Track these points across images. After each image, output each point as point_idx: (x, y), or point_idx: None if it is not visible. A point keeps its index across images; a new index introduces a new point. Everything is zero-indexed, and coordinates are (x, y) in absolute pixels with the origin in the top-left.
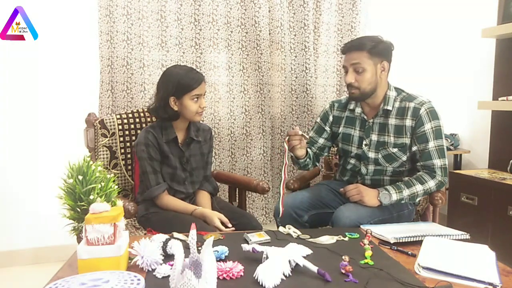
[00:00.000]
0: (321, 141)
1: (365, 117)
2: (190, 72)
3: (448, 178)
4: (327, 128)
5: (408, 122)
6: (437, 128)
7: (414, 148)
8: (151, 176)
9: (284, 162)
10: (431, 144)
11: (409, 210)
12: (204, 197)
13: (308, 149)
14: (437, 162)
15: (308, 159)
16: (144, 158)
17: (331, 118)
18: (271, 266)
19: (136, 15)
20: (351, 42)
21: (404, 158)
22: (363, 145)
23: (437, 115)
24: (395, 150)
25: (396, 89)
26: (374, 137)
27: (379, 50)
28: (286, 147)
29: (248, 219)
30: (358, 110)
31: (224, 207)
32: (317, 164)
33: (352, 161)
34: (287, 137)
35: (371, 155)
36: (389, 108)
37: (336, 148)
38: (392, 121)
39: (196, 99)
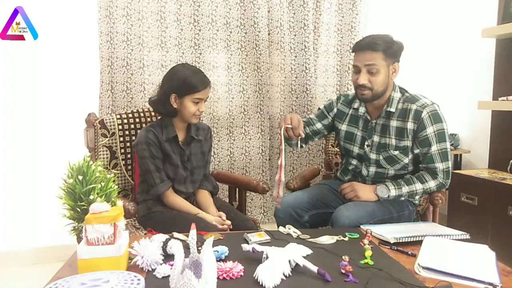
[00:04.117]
0: (318, 125)
1: (369, 117)
2: (197, 75)
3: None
4: (329, 117)
5: (410, 125)
6: (440, 131)
7: (416, 151)
8: (155, 174)
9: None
10: (434, 148)
11: (409, 211)
12: (205, 196)
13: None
14: (440, 165)
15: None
16: (146, 157)
17: (335, 110)
18: (271, 266)
19: (136, 16)
20: (365, 40)
21: (406, 160)
22: (365, 146)
23: (440, 118)
24: (396, 152)
25: (400, 89)
26: (376, 138)
27: (394, 51)
28: (282, 137)
29: (242, 221)
30: (362, 109)
31: (220, 207)
32: (304, 146)
33: (354, 161)
34: (288, 126)
35: (373, 156)
36: (392, 110)
37: (337, 148)
38: (393, 123)
39: (196, 102)
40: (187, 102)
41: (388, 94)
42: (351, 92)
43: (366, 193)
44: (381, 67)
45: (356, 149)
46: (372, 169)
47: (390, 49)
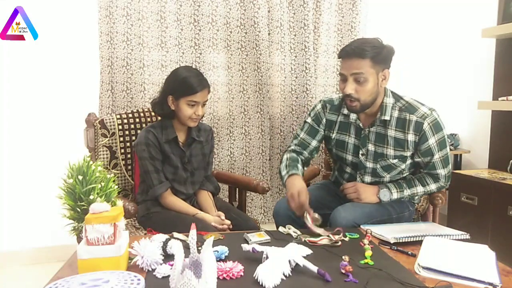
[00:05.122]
0: (314, 143)
1: (361, 125)
2: (194, 77)
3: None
4: (321, 130)
5: (411, 137)
6: (441, 140)
7: (418, 160)
8: (153, 175)
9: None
10: (436, 156)
11: (410, 212)
12: (206, 197)
13: (298, 161)
14: (441, 171)
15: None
16: (145, 157)
17: (324, 121)
18: (271, 266)
19: (136, 16)
20: (351, 46)
21: (403, 166)
22: (360, 155)
23: (440, 126)
24: (395, 161)
25: (393, 94)
26: (371, 147)
27: (382, 57)
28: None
29: (244, 220)
30: (353, 116)
31: (221, 207)
32: (306, 168)
33: (348, 169)
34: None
35: (369, 164)
36: (387, 118)
37: (328, 155)
38: (391, 132)
39: (192, 105)
40: (182, 104)
41: (380, 100)
42: (335, 96)
43: (368, 196)
44: (369, 75)
45: (349, 157)
46: (367, 178)
47: (379, 56)
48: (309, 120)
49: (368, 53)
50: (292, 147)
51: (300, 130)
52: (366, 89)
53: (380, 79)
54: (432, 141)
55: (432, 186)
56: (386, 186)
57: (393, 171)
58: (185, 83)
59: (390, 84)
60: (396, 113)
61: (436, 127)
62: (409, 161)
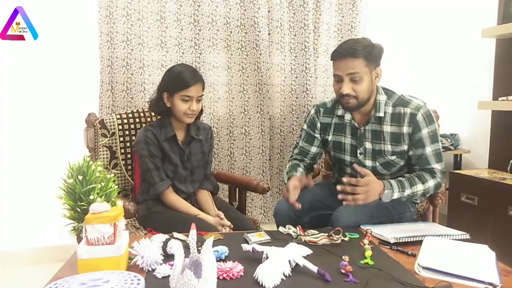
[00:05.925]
0: (313, 150)
1: (356, 124)
2: (188, 72)
3: (448, 178)
4: (317, 135)
5: (405, 129)
6: (433, 132)
7: (410, 153)
8: (154, 173)
9: None
10: (429, 149)
11: (411, 213)
12: (205, 196)
13: (300, 166)
14: (437, 166)
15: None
16: (145, 155)
17: (319, 125)
18: (271, 266)
19: (136, 16)
20: (343, 47)
21: (402, 163)
22: (358, 154)
23: (433, 119)
24: (393, 157)
25: (386, 91)
26: (368, 145)
27: (374, 56)
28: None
29: (241, 222)
30: (348, 116)
31: (220, 207)
32: (311, 173)
33: (348, 170)
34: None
35: (368, 163)
36: (381, 114)
37: (327, 157)
38: (387, 128)
39: (186, 100)
40: (176, 100)
41: (373, 98)
42: (328, 99)
43: (373, 197)
44: (364, 74)
45: (348, 158)
46: None
47: (371, 54)
48: (305, 127)
49: (361, 52)
50: (294, 156)
51: (299, 138)
52: (362, 88)
53: (373, 77)
54: (424, 132)
55: (430, 183)
56: (391, 185)
57: (392, 168)
58: (178, 78)
59: (390, 83)
60: (390, 109)
61: (429, 118)
62: (407, 157)
